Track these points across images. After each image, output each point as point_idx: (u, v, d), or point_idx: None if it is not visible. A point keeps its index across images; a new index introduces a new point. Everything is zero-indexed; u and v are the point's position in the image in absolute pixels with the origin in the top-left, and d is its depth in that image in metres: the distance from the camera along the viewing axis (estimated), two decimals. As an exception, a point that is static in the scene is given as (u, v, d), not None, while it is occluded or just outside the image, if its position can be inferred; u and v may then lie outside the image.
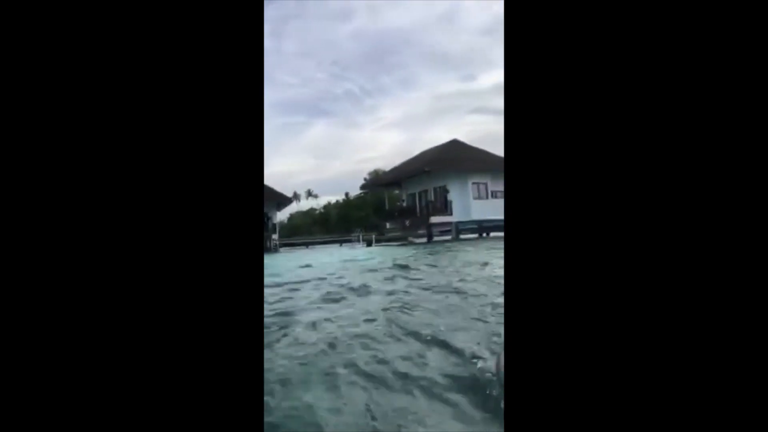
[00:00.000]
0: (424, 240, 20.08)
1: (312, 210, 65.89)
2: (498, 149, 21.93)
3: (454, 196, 20.64)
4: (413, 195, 22.94)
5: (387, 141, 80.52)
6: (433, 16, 69.40)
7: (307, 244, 32.42)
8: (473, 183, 20.86)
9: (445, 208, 20.65)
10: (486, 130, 69.19)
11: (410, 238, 19.75)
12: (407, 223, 21.02)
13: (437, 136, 74.52)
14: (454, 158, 21.28)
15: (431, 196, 21.53)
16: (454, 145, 23.13)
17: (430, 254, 10.55)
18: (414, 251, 12.48)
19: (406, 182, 22.92)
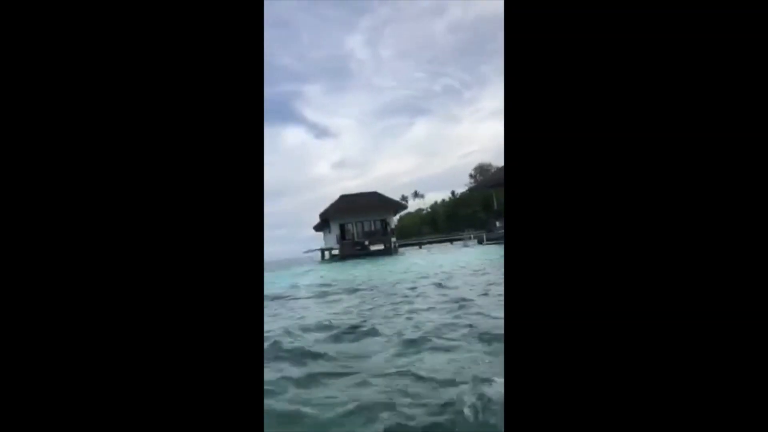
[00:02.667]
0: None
1: (419, 210, 68.92)
2: None
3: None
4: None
5: (490, 132, 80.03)
6: None
7: (420, 244, 35.20)
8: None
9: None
10: None
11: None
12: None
13: None
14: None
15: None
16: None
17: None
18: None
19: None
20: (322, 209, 27.99)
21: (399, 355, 2.73)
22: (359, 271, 11.84)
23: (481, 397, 1.76)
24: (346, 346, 3.10)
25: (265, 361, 2.48)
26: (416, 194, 75.43)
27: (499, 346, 2.55)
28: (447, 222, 54.52)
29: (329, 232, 28.74)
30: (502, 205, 26.20)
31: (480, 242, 23.68)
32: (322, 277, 11.33)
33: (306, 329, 3.75)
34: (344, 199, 28.39)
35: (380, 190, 29.29)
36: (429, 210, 66.63)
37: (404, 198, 73.20)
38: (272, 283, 10.22)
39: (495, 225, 24.61)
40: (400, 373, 2.30)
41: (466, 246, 23.61)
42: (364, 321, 3.91)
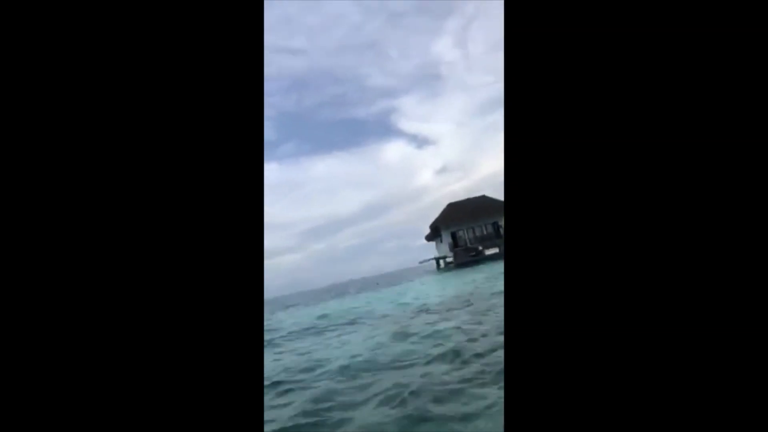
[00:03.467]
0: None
1: (533, 206, 64.91)
2: None
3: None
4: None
5: None
6: None
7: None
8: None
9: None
10: None
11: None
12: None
13: None
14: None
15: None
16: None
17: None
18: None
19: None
20: (430, 216, 28.64)
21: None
22: (472, 277, 12.01)
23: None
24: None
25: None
26: (527, 189, 71.39)
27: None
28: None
29: (441, 241, 29.22)
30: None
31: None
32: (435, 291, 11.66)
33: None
34: (452, 206, 28.66)
35: (487, 190, 28.86)
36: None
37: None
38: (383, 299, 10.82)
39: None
40: None
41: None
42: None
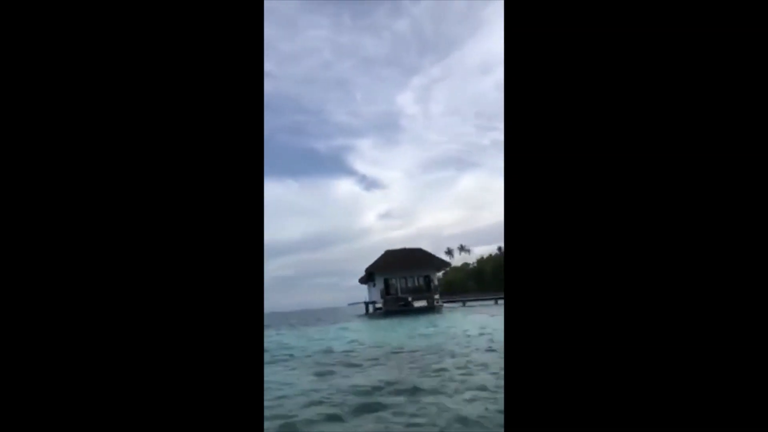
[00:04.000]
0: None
1: (465, 265, 68.23)
2: None
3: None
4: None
5: None
6: None
7: (464, 302, 34.91)
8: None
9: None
10: None
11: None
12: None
13: None
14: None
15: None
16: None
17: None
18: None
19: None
20: (367, 258, 29.07)
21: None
22: (397, 333, 12.43)
23: None
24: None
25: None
26: (462, 248, 75.11)
27: None
28: (493, 278, 53.59)
29: (374, 286, 29.64)
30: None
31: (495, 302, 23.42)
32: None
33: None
34: (389, 254, 29.45)
35: (426, 242, 30.03)
36: (475, 265, 65.87)
37: (449, 251, 73.17)
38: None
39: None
40: None
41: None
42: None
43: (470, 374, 4.98)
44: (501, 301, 29.64)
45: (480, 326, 11.94)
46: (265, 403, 3.81)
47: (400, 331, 12.58)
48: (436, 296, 28.24)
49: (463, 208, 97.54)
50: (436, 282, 29.44)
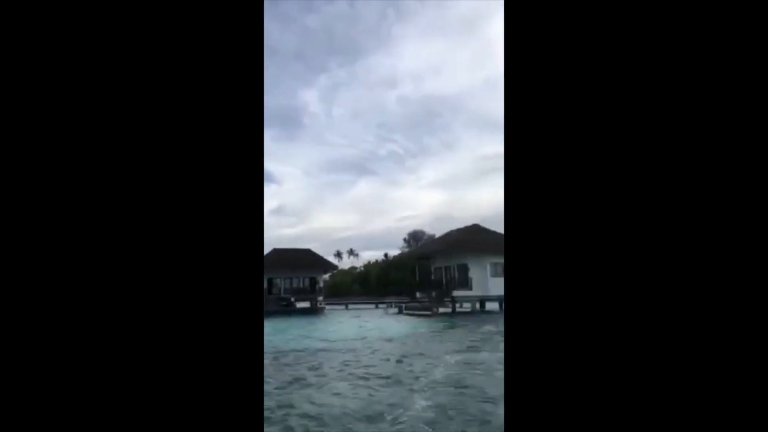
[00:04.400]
0: (449, 310, 23.56)
1: (353, 268, 69.74)
2: None
3: (474, 273, 24.22)
4: (440, 269, 26.71)
5: (428, 200, 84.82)
6: (479, 80, 75.08)
7: (346, 305, 35.90)
8: (491, 263, 24.40)
9: (466, 283, 24.20)
10: None
11: (435, 309, 23.22)
12: (434, 294, 24.54)
13: (478, 197, 77.90)
14: (475, 240, 25.08)
15: (454, 272, 25.21)
16: (475, 228, 26.98)
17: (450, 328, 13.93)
18: (434, 325, 15.92)
19: (435, 257, 26.75)
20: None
21: None
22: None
23: None
24: None
25: None
26: (351, 252, 76.74)
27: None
28: (377, 283, 55.85)
29: (257, 285, 28.82)
30: (422, 277, 28.30)
31: (400, 311, 25.20)
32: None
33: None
34: (276, 252, 29.04)
35: (317, 243, 30.20)
36: (362, 269, 67.78)
37: (339, 254, 74.20)
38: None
39: (416, 295, 26.41)
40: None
41: (386, 314, 24.99)
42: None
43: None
44: (382, 305, 31.23)
45: (355, 328, 12.69)
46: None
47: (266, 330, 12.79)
48: (320, 298, 28.64)
49: (357, 212, 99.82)
50: (321, 284, 29.83)
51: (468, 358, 7.82)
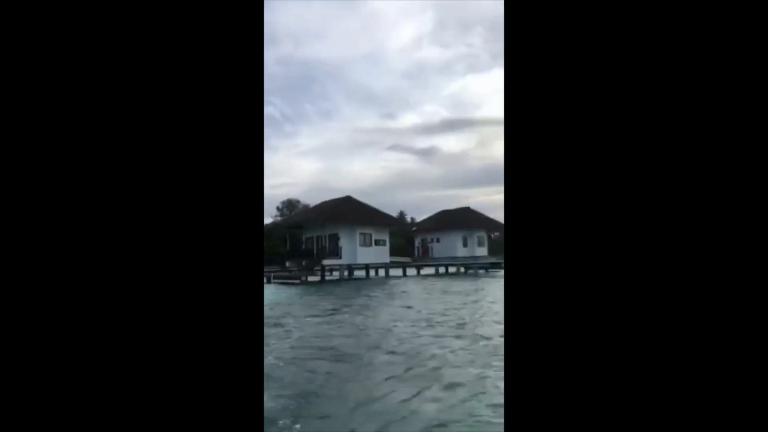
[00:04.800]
0: (318, 278, 24.25)
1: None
2: (410, 187, 25.95)
3: (344, 242, 25.23)
4: (312, 238, 27.13)
5: (303, 168, 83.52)
6: (359, 54, 75.08)
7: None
8: (360, 233, 25.70)
9: (337, 252, 25.12)
10: (400, 167, 75.40)
11: (304, 277, 23.65)
12: (304, 263, 24.91)
13: (354, 168, 79.30)
14: (347, 212, 26.03)
15: (325, 242, 25.91)
16: (347, 200, 27.91)
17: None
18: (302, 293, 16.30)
19: (308, 227, 27.01)
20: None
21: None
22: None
23: None
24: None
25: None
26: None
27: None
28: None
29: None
30: (294, 246, 28.42)
31: (268, 280, 25.05)
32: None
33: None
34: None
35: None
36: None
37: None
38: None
39: (285, 264, 26.46)
40: None
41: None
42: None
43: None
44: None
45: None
46: None
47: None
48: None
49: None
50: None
51: (328, 320, 8.42)
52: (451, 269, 29.76)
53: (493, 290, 13.98)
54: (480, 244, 31.85)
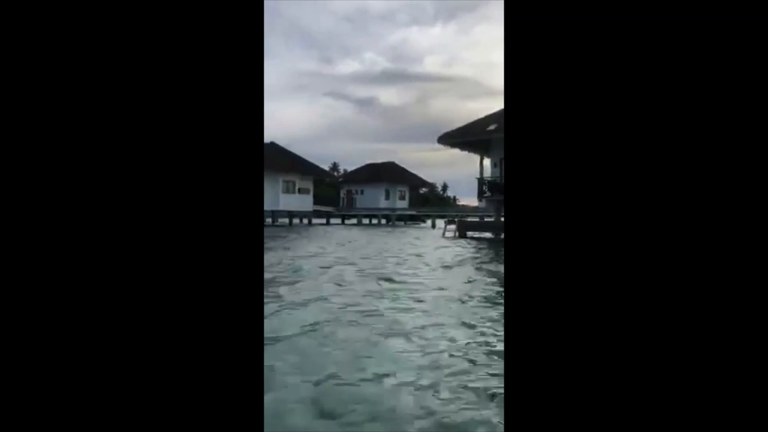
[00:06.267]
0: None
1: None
2: (346, 137, 25.54)
3: (267, 189, 25.26)
4: (233, 183, 26.72)
5: None
6: None
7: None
8: (283, 180, 25.83)
9: (259, 198, 25.19)
10: (338, 115, 73.45)
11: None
12: (224, 207, 24.67)
13: (289, 113, 75.98)
14: (270, 158, 25.87)
15: (247, 187, 25.73)
16: (271, 146, 27.60)
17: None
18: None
19: (229, 171, 26.43)
20: None
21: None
22: None
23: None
24: None
25: None
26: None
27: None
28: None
29: None
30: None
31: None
32: None
33: None
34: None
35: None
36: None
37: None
38: None
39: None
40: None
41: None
42: None
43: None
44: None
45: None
46: None
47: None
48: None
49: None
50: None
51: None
52: (374, 220, 31.11)
53: (407, 238, 15.05)
54: (401, 197, 33.39)
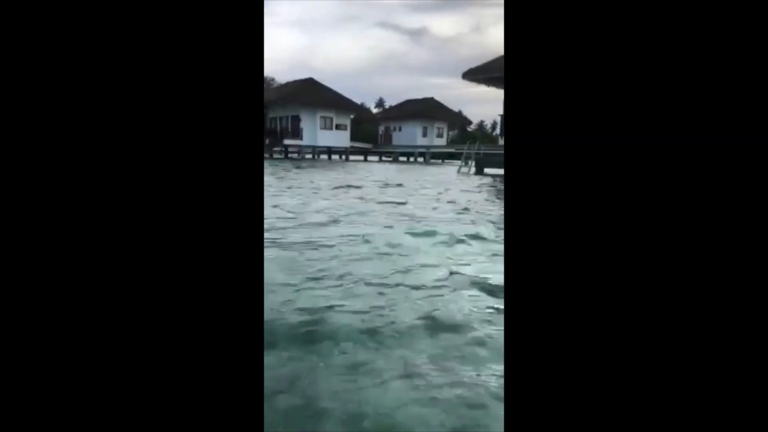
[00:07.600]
0: (282, 156, 25.97)
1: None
2: (395, 72, 25.61)
3: (305, 125, 26.43)
4: (275, 119, 28.10)
5: (283, 43, 77.09)
6: None
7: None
8: (321, 116, 26.78)
9: (298, 133, 26.46)
10: (387, 48, 69.65)
11: (270, 153, 25.19)
12: (267, 141, 26.27)
13: (338, 47, 73.45)
14: (309, 94, 26.70)
15: (288, 123, 27.01)
16: (310, 83, 28.27)
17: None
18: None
19: (270, 107, 27.76)
20: None
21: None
22: None
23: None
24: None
25: None
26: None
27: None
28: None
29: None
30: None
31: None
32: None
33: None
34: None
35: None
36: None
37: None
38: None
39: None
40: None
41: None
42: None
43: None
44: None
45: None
46: None
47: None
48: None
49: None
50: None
51: (290, 184, 10.04)
52: (411, 159, 31.62)
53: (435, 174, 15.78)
54: (439, 135, 33.32)
